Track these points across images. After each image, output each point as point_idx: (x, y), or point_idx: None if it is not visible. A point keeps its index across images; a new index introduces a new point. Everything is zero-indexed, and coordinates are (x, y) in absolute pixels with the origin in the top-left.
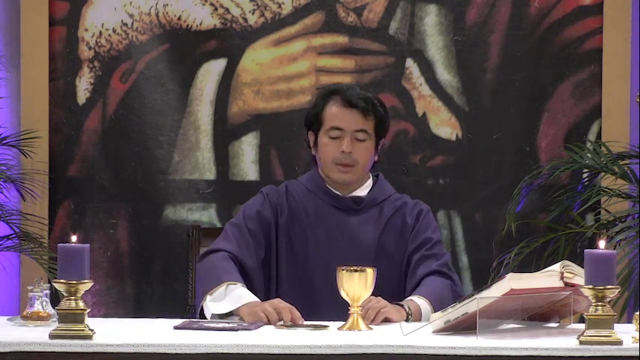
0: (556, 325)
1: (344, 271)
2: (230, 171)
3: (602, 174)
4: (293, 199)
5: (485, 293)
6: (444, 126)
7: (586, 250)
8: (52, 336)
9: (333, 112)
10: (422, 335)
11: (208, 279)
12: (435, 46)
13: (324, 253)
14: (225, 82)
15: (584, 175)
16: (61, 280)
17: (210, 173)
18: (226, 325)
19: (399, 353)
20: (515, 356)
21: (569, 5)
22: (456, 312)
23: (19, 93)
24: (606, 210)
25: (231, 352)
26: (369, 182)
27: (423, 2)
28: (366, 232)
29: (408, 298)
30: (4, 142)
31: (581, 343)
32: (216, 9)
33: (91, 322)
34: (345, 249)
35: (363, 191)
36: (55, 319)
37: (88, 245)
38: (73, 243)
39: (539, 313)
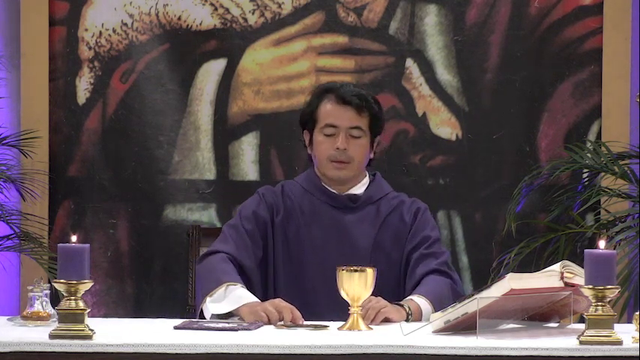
0: (556, 325)
1: (344, 271)
2: (230, 171)
3: (602, 174)
4: (289, 199)
5: (485, 293)
6: (444, 126)
7: (586, 250)
8: (52, 336)
9: (328, 109)
10: (422, 335)
11: (208, 280)
12: (435, 46)
13: (321, 251)
14: (225, 82)
15: (584, 175)
16: (61, 280)
17: (210, 173)
18: (226, 325)
19: (399, 353)
20: (515, 356)
21: (569, 5)
22: (456, 312)
23: (19, 93)
24: (606, 210)
25: (231, 352)
26: (366, 180)
27: (423, 2)
28: (363, 230)
29: (408, 297)
30: (4, 142)
31: (581, 343)
32: (216, 9)
33: (91, 322)
34: (341, 247)
35: (359, 189)
36: (55, 319)
37: (88, 245)
38: (73, 243)
39: (539, 313)
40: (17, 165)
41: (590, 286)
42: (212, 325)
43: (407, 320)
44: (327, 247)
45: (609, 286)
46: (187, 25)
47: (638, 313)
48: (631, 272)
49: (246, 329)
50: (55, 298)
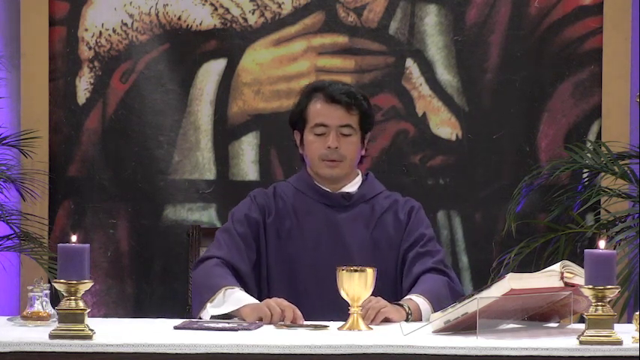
0: (556, 325)
1: (344, 271)
2: (230, 171)
3: (602, 174)
4: (281, 200)
5: (485, 293)
6: (444, 126)
7: (586, 250)
8: (52, 336)
9: (317, 108)
10: (422, 335)
11: (204, 287)
12: (435, 46)
13: (315, 249)
14: (225, 82)
15: (584, 175)
16: (61, 280)
17: (210, 173)
18: (226, 325)
19: (399, 353)
20: (515, 356)
21: (569, 5)
22: (456, 312)
23: (19, 93)
24: (606, 210)
25: (231, 352)
26: (359, 178)
27: (423, 2)
28: (357, 228)
29: (407, 297)
30: (4, 142)
31: (581, 343)
32: (216, 9)
33: (91, 322)
34: (335, 245)
35: (352, 187)
36: (55, 319)
37: (88, 245)
38: (73, 243)
39: (539, 313)
40: (17, 165)
41: (590, 286)
42: (212, 325)
43: (407, 320)
44: (322, 245)
45: (609, 286)
46: (187, 25)
47: (638, 313)
48: (631, 272)
49: (246, 329)
50: (55, 298)
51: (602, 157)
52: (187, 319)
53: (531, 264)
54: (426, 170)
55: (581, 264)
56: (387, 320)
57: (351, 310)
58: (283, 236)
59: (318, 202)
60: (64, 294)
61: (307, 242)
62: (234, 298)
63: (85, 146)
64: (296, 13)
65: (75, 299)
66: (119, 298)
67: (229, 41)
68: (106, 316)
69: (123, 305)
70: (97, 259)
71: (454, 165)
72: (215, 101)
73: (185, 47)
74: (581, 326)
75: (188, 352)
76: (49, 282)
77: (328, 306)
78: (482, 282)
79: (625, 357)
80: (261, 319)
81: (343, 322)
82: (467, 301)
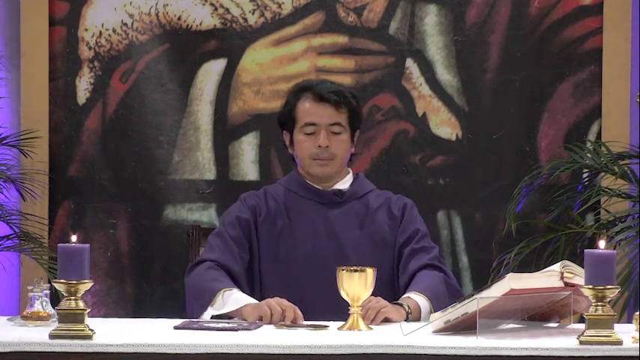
0: (556, 325)
1: (344, 271)
2: (230, 171)
3: (602, 174)
4: (273, 200)
5: (485, 293)
6: (444, 126)
7: (586, 250)
8: (52, 336)
9: (306, 108)
10: (422, 335)
11: (202, 291)
12: (435, 46)
13: (308, 246)
14: (225, 82)
15: (584, 175)
16: (61, 280)
17: (210, 173)
18: (226, 325)
19: (399, 353)
20: (515, 356)
21: (569, 5)
22: (456, 312)
23: (19, 93)
24: (606, 210)
25: (231, 352)
26: (349, 176)
27: (423, 2)
28: (350, 224)
29: (405, 295)
30: (4, 142)
31: (581, 343)
32: (216, 9)
33: (91, 322)
34: (329, 241)
35: (344, 185)
36: (55, 319)
37: (88, 245)
38: (73, 243)
39: (539, 313)
40: (17, 165)
41: (590, 286)
42: (212, 325)
43: (407, 319)
44: (315, 241)
45: (609, 286)
46: (187, 25)
47: (638, 313)
48: (631, 272)
49: (246, 329)
50: (55, 298)
51: (602, 157)
52: (187, 319)
53: (531, 264)
54: (426, 170)
55: (581, 264)
56: (387, 320)
57: (351, 310)
58: (275, 235)
59: (310, 200)
60: (64, 294)
61: (301, 240)
62: (234, 298)
63: (85, 146)
64: (296, 13)
65: (75, 299)
66: (119, 298)
67: (229, 41)
68: (106, 316)
69: (123, 305)
70: (97, 259)
71: (454, 165)
72: (215, 101)
73: (185, 47)
74: (581, 326)
75: (188, 352)
76: (49, 282)
77: (323, 300)
78: (482, 282)
79: (625, 357)
80: (261, 319)
81: (343, 322)
82: (467, 301)
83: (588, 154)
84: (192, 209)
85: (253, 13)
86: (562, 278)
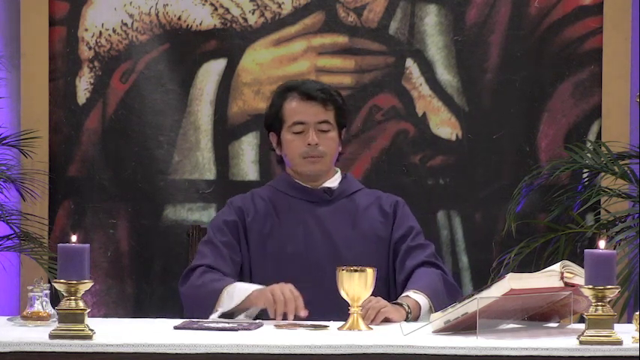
0: (556, 325)
1: (344, 271)
2: (230, 171)
3: (602, 174)
4: (261, 200)
5: (485, 293)
6: (444, 126)
7: (586, 250)
8: (52, 336)
9: (293, 107)
10: (422, 335)
11: (204, 297)
12: (435, 46)
13: (299, 244)
14: (225, 82)
15: (584, 175)
16: (61, 280)
17: (210, 173)
18: (226, 325)
19: (399, 353)
20: (515, 356)
21: (569, 5)
22: (456, 312)
23: (19, 93)
24: (606, 210)
25: (231, 352)
26: (338, 175)
27: (423, 2)
28: (340, 222)
29: (404, 294)
30: (4, 142)
31: (581, 343)
32: (216, 9)
33: (91, 322)
34: (319, 239)
35: (332, 183)
36: (55, 319)
37: (88, 245)
38: (73, 243)
39: (539, 313)
40: (17, 165)
41: (590, 286)
42: (212, 325)
43: (406, 319)
44: (306, 239)
45: (609, 286)
46: (187, 25)
47: (638, 313)
48: (631, 272)
49: (246, 329)
50: (55, 298)
51: (602, 157)
52: (187, 319)
53: (531, 264)
54: (426, 170)
55: (581, 264)
56: (387, 320)
57: (351, 310)
58: (266, 233)
59: (300, 199)
60: (64, 294)
61: (290, 238)
62: (239, 289)
63: (85, 146)
64: (296, 13)
65: (75, 299)
66: (119, 298)
67: (229, 41)
68: (106, 316)
69: (123, 305)
70: (97, 259)
71: (454, 165)
72: (215, 101)
73: (185, 47)
74: (581, 326)
75: (188, 352)
76: (49, 282)
77: (316, 298)
78: (482, 282)
79: (625, 357)
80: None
81: (343, 322)
82: (467, 301)
83: (588, 154)
84: (192, 209)
85: (253, 13)
86: (562, 278)
